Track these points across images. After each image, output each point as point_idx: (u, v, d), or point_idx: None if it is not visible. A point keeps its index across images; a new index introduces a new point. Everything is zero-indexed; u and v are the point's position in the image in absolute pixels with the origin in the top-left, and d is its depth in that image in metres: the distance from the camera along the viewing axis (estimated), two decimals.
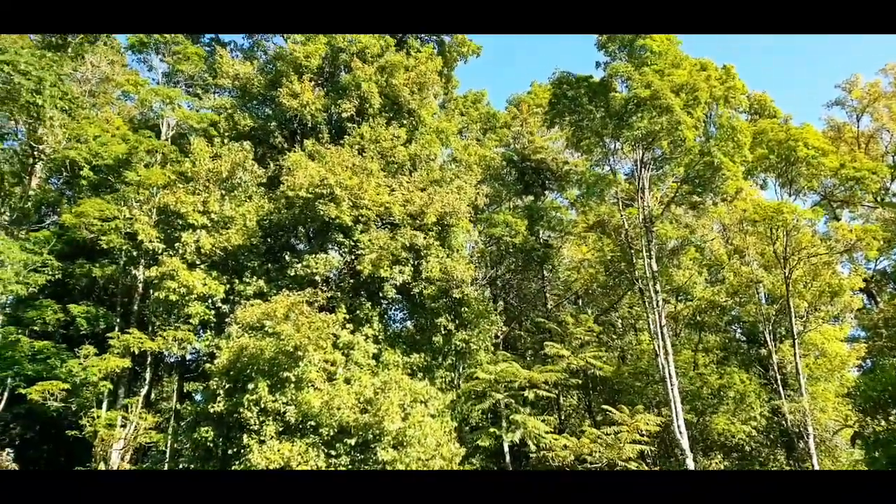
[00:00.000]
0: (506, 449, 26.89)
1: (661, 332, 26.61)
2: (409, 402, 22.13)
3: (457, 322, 26.24)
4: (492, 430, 26.70)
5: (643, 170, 28.10)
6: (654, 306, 27.02)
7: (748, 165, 29.64)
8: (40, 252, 25.09)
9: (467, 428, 27.89)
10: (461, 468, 23.70)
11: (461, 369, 28.69)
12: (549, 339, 29.53)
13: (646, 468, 25.17)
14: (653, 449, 26.86)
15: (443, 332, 25.79)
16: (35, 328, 25.28)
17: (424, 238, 25.57)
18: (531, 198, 34.97)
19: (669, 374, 25.77)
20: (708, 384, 29.84)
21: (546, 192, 35.78)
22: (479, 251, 34.37)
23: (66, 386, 23.28)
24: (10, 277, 23.30)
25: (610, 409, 25.97)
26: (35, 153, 28.11)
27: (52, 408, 23.64)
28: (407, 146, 28.41)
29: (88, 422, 23.26)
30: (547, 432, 25.88)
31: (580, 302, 37.54)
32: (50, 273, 24.97)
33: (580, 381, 29.78)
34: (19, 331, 25.02)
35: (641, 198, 28.00)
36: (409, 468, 20.35)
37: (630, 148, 28.15)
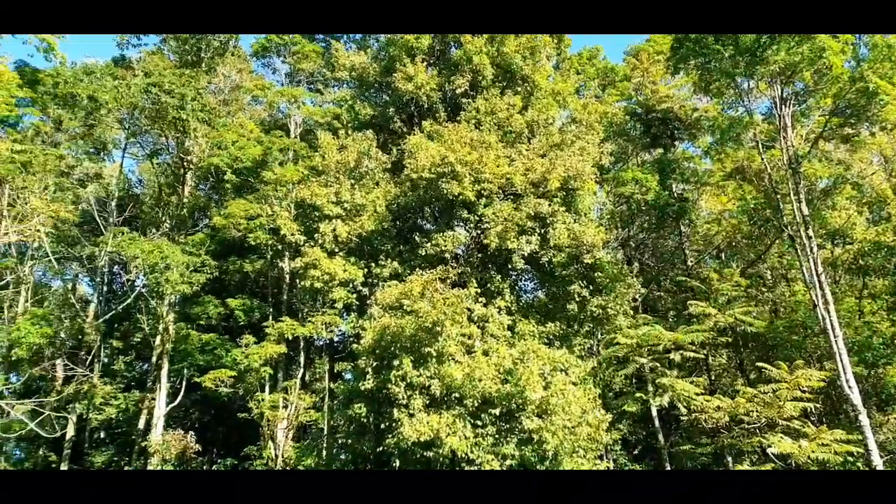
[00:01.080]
0: (654, 413, 26.15)
1: (819, 281, 24.45)
2: (548, 370, 22.06)
3: (591, 288, 25.65)
4: (637, 394, 26.03)
5: (783, 107, 25.73)
6: (808, 253, 24.85)
7: None
8: (198, 253, 27.62)
9: (611, 394, 27.41)
10: (609, 435, 23.39)
11: (599, 336, 28.13)
12: (692, 298, 28.14)
13: (811, 427, 23.44)
14: (818, 406, 24.94)
15: (577, 300, 25.31)
16: (201, 322, 27.97)
17: (549, 205, 25.17)
18: (660, 150, 33.24)
19: (831, 324, 23.63)
20: (878, 333, 27.12)
21: (676, 143, 33.76)
22: (609, 212, 33.27)
23: (233, 373, 25.57)
24: (177, 279, 25.85)
25: (765, 366, 24.33)
26: (185, 164, 30.82)
27: (223, 393, 26.09)
28: (523, 113, 27.97)
29: (255, 404, 25.39)
30: (697, 394, 24.76)
31: (723, 256, 35.33)
32: (208, 272, 27.44)
33: (729, 339, 28.16)
34: (188, 326, 27.79)
35: (784, 137, 25.70)
36: (555, 436, 20.34)
37: (766, 85, 25.84)
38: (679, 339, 25.54)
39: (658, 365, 25.94)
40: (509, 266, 25.81)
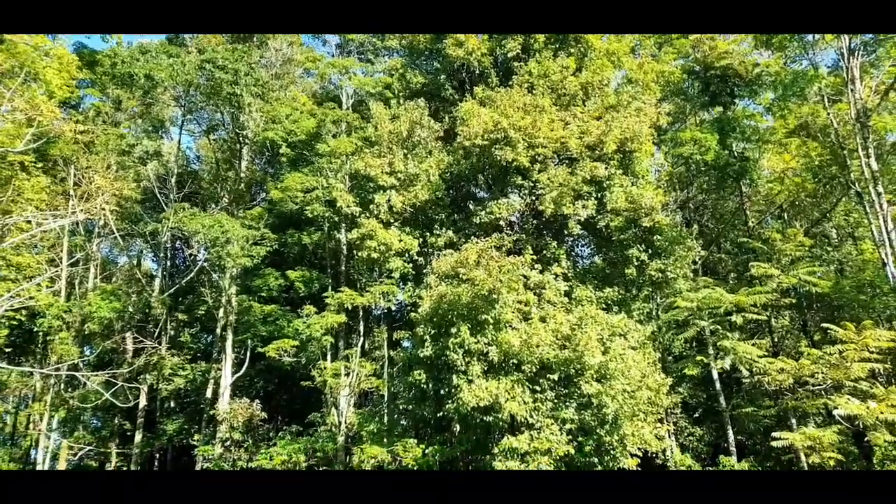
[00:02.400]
0: (714, 376, 25.86)
1: (888, 238, 23.66)
2: (607, 335, 21.96)
3: (649, 252, 25.24)
4: (698, 358, 25.76)
5: (851, 58, 24.65)
6: (878, 210, 24.02)
7: None
8: (257, 227, 28.22)
9: (670, 358, 27.20)
10: (669, 398, 23.25)
11: (658, 300, 27.79)
12: (753, 259, 27.50)
13: (880, 388, 22.87)
14: (887, 367, 24.25)
15: (635, 264, 24.95)
16: (262, 294, 28.70)
17: (606, 168, 24.73)
18: (719, 109, 32.12)
19: None
20: None
21: (736, 101, 32.44)
22: (667, 174, 32.48)
23: (295, 343, 26.22)
24: (238, 252, 26.52)
25: (831, 326, 23.73)
26: (240, 139, 31.35)
27: (286, 362, 26.84)
28: (577, 75, 27.38)
29: (317, 373, 26.06)
30: (760, 356, 24.37)
31: (786, 216, 34.27)
32: (268, 245, 28.05)
33: (793, 301, 27.50)
34: (250, 298, 28.55)
35: (852, 90, 24.68)
36: (614, 400, 20.32)
37: (832, 35, 24.75)
38: (741, 301, 25.10)
39: (719, 328, 25.57)
40: (565, 232, 25.58)
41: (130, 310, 30.19)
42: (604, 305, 24.62)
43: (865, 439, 22.78)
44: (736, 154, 31.11)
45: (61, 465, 29.70)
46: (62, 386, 28.85)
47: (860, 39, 24.97)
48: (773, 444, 22.88)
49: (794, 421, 24.65)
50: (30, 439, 34.80)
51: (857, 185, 25.69)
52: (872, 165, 24.36)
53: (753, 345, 25.16)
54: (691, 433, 27.84)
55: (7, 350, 29.92)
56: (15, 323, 25.77)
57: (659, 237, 25.33)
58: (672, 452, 25.06)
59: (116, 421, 33.50)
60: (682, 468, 24.35)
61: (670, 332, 26.82)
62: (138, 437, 30.61)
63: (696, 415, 29.02)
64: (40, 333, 29.86)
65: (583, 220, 24.88)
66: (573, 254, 28.19)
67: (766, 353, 25.21)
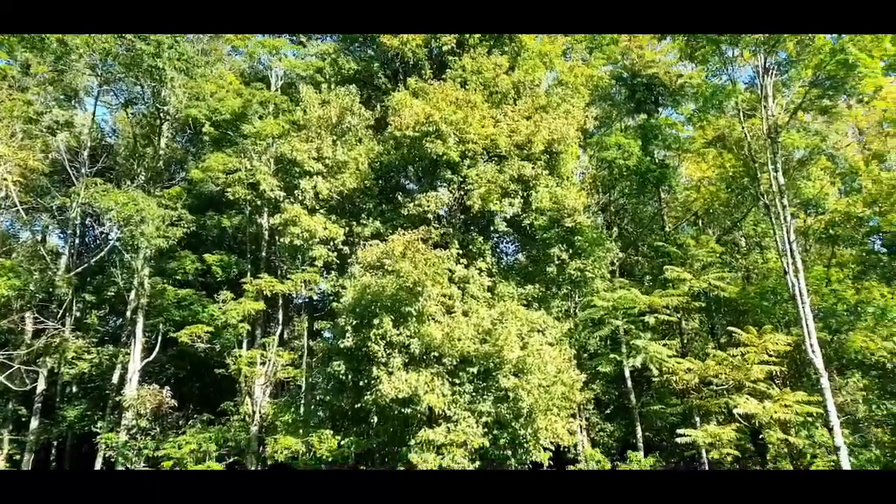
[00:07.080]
0: (626, 374, 26.81)
1: (790, 249, 25.04)
2: (526, 331, 22.41)
3: (570, 251, 25.93)
4: (612, 356, 26.64)
5: (766, 76, 25.88)
6: (782, 222, 25.35)
7: (890, 60, 26.52)
8: (175, 207, 27.10)
9: (586, 355, 27.99)
10: (582, 394, 23.96)
11: (577, 298, 28.54)
12: (668, 263, 28.63)
13: (776, 389, 24.36)
14: (783, 369, 25.83)
15: (556, 262, 25.60)
16: (177, 277, 27.63)
17: (533, 168, 25.16)
18: (644, 116, 33.20)
19: (800, 291, 24.28)
20: (843, 300, 27.95)
21: (659, 109, 33.65)
22: (591, 177, 33.34)
23: (210, 329, 25.40)
24: (153, 232, 25.40)
25: (735, 330, 25.07)
26: (161, 115, 29.94)
27: (200, 349, 25.96)
28: (510, 74, 27.63)
29: (232, 360, 25.34)
30: (669, 356, 25.46)
31: (700, 222, 35.89)
32: (185, 226, 26.97)
33: (703, 304, 28.84)
34: (164, 281, 27.42)
35: (765, 107, 25.91)
36: (530, 394, 20.77)
37: (750, 53, 25.93)
38: (654, 302, 26.09)
39: (633, 327, 26.52)
40: (491, 228, 25.93)
41: (32, 288, 28.30)
42: (525, 302, 25.09)
43: (760, 436, 24.22)
44: (657, 161, 32.28)
45: None
46: None
47: (774, 59, 26.28)
48: (678, 440, 23.95)
49: (697, 419, 25.84)
50: None
51: (765, 196, 27.05)
52: (780, 179, 25.70)
53: (664, 345, 26.21)
54: (602, 429, 28.77)
55: None
56: None
57: (580, 238, 26.06)
58: (583, 447, 25.83)
59: (11, 406, 31.38)
60: (592, 462, 25.14)
61: (587, 329, 27.62)
62: (34, 423, 28.88)
63: (608, 411, 30.01)
64: None
65: (508, 217, 25.26)
66: (498, 250, 28.57)
67: (675, 354, 26.34)
